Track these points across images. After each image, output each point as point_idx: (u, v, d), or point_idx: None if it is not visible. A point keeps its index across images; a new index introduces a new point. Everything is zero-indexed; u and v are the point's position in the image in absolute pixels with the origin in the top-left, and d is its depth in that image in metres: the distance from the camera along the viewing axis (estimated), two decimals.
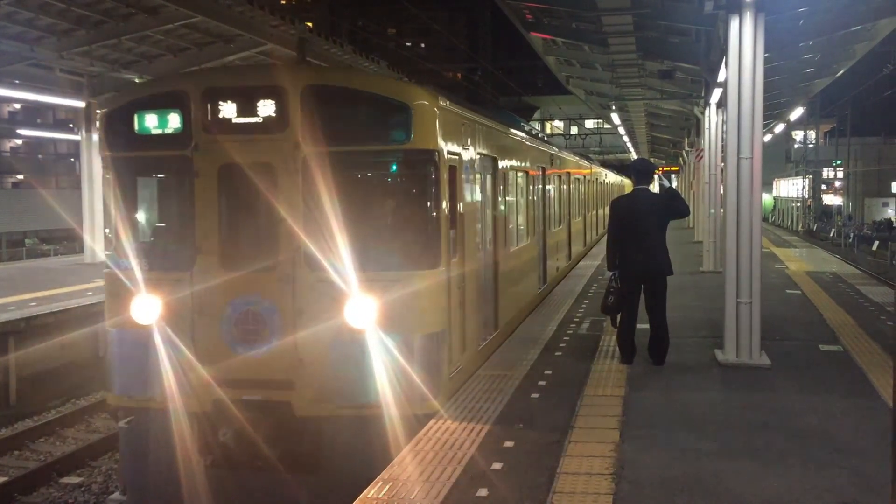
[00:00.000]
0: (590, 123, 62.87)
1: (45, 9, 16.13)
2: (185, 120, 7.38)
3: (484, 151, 9.19)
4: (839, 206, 60.50)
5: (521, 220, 12.16)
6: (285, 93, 7.15)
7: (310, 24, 28.97)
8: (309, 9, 66.61)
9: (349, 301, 6.97)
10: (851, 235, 42.47)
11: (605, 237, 9.60)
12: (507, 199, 10.61)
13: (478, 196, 8.96)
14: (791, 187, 61.08)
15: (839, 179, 66.74)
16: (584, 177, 22.33)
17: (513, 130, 11.60)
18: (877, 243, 38.29)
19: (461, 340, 8.03)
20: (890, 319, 11.64)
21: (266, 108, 7.19)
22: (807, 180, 57.21)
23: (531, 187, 12.99)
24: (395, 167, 7.44)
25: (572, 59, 22.18)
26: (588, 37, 17.28)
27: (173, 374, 7.28)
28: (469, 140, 8.42)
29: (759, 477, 5.67)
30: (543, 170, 14.21)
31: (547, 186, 14.82)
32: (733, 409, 7.30)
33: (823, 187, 65.92)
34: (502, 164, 10.20)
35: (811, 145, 61.87)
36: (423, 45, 75.41)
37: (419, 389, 6.98)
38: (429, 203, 7.27)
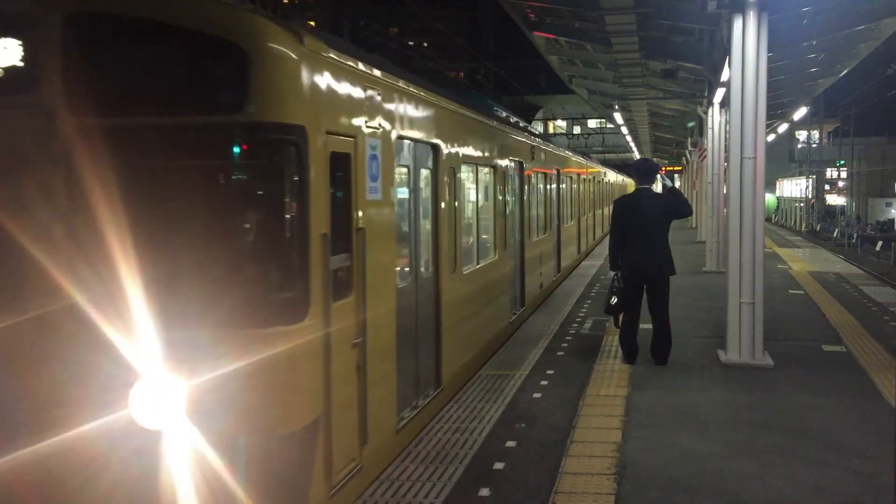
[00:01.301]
0: (592, 123, 62.85)
1: None
2: None
3: (414, 135, 6.62)
4: (842, 206, 60.47)
5: (485, 228, 9.89)
6: (34, 26, 4.38)
7: (312, 23, 28.98)
8: (312, 8, 66.69)
9: (140, 382, 4.20)
10: (855, 236, 42.39)
11: (606, 239, 9.50)
12: (459, 202, 8.22)
13: (398, 200, 6.32)
14: (794, 187, 60.98)
15: (842, 179, 66.69)
16: (579, 175, 20.48)
17: (469, 111, 8.78)
18: (880, 244, 38.20)
19: (358, 427, 5.34)
20: (893, 320, 11.63)
21: (2, 52, 4.41)
22: (810, 180, 57.13)
23: (501, 187, 10.37)
24: (227, 153, 4.47)
25: (575, 58, 22.18)
26: (591, 36, 17.29)
27: None
28: (380, 115, 5.74)
29: (761, 477, 5.66)
30: (521, 165, 11.93)
31: (526, 186, 12.33)
32: (736, 410, 7.29)
33: (827, 187, 65.86)
34: (448, 153, 7.65)
35: (814, 145, 61.75)
36: (425, 45, 75.45)
37: None
38: (287, 214, 4.45)
